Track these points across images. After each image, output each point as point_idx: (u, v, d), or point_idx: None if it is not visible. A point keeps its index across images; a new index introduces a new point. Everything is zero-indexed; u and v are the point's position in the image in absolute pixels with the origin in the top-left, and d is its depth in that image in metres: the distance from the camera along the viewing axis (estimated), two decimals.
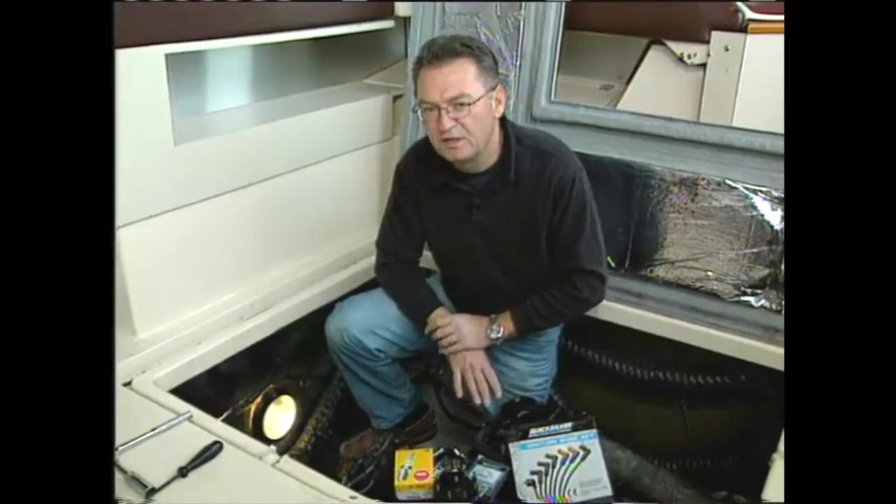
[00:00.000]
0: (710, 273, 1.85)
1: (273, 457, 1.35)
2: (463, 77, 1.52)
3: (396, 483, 1.60)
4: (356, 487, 1.64)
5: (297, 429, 2.10)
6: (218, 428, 1.42)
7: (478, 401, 1.78)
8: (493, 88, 1.57)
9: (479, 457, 1.69)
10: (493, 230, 1.70)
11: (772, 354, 1.76)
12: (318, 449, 2.05)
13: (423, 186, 1.73)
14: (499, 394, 1.79)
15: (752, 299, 1.81)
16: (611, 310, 1.93)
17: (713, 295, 1.86)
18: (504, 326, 1.74)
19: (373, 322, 1.78)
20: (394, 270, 1.85)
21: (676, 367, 1.99)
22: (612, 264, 1.92)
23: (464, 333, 1.75)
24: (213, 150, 1.75)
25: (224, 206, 1.78)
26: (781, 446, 1.36)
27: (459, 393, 1.79)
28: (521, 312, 1.74)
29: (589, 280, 1.70)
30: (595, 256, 1.70)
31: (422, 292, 1.83)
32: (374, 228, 1.90)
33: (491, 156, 1.65)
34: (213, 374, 1.77)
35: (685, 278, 1.89)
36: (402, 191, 1.79)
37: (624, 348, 2.05)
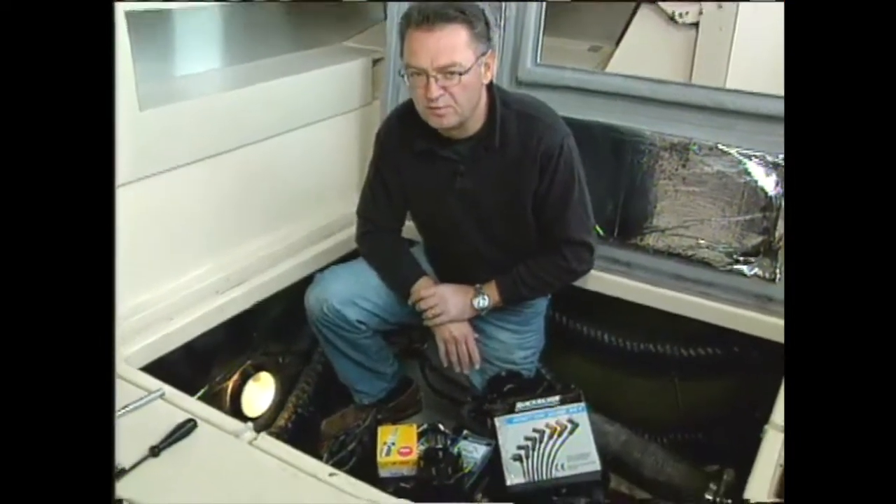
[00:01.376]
0: (701, 241, 1.85)
1: (250, 434, 1.34)
2: (454, 44, 1.48)
3: (379, 460, 1.60)
4: (337, 465, 1.64)
5: (277, 406, 2.09)
6: (192, 405, 1.40)
7: (457, 369, 1.79)
8: (484, 54, 1.54)
9: (465, 432, 1.70)
10: (478, 198, 1.68)
11: (765, 324, 1.76)
12: (298, 426, 2.05)
13: (405, 152, 1.71)
14: (478, 364, 1.79)
15: (744, 268, 1.81)
16: (599, 280, 1.93)
17: (705, 263, 1.85)
18: (489, 296, 1.74)
19: (354, 293, 1.77)
20: (375, 239, 1.83)
21: (667, 339, 1.99)
22: (601, 233, 1.91)
23: (448, 304, 1.74)
24: (182, 116, 1.70)
25: (195, 175, 1.74)
26: (774, 418, 1.36)
27: (445, 363, 1.80)
28: (507, 282, 1.73)
29: (577, 249, 1.70)
30: (583, 225, 1.69)
31: (404, 262, 1.81)
32: (354, 197, 1.88)
33: (476, 121, 1.63)
34: (188, 350, 1.75)
35: (676, 247, 1.88)
36: (383, 157, 1.76)
37: (613, 319, 2.05)
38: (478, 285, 1.75)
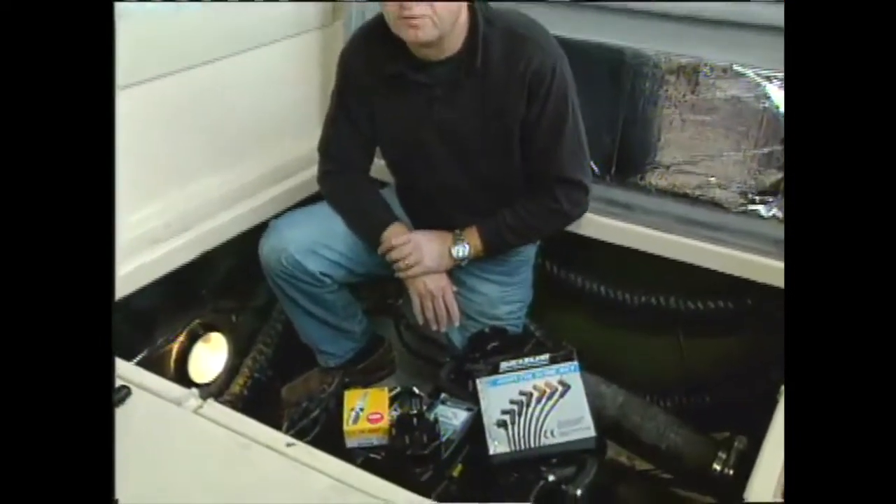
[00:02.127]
0: (711, 178, 1.84)
1: (194, 402, 1.32)
2: None
3: (345, 428, 1.59)
4: (299, 434, 1.63)
5: (230, 371, 2.08)
6: (126, 371, 1.37)
7: (434, 328, 1.79)
8: None
9: (443, 395, 1.69)
10: (458, 129, 1.65)
11: (782, 273, 1.74)
12: (255, 393, 2.04)
13: (373, 78, 1.67)
14: (457, 321, 1.79)
15: (761, 208, 1.81)
16: (595, 224, 1.92)
17: (715, 204, 1.85)
18: (470, 244, 1.73)
19: (315, 241, 1.75)
20: (339, 180, 1.81)
21: (671, 291, 1.99)
22: (596, 171, 1.90)
23: (423, 253, 1.73)
24: None
25: (123, 106, 1.67)
26: None
27: (420, 320, 1.80)
28: (490, 228, 1.72)
29: (569, 190, 1.68)
30: (576, 162, 1.68)
31: (373, 205, 1.79)
32: (315, 132, 1.85)
33: (456, 40, 1.59)
34: (124, 308, 1.71)
35: (682, 185, 1.87)
36: (347, 84, 1.73)
37: (610, 269, 2.05)
38: (457, 231, 1.74)
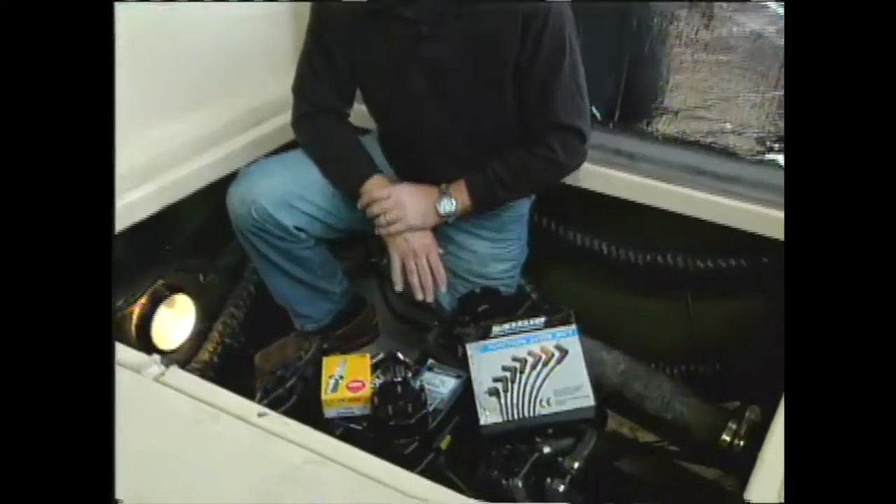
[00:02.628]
0: (725, 124, 1.84)
1: (156, 369, 1.31)
2: None
3: (324, 397, 1.58)
4: (274, 404, 1.62)
5: (199, 336, 2.09)
6: None
7: (420, 297, 1.78)
8: None
9: (430, 362, 1.69)
10: (445, 69, 1.64)
11: None
12: (226, 360, 2.05)
13: (352, 13, 1.65)
14: (443, 286, 1.79)
15: (780, 157, 1.80)
16: (595, 175, 1.91)
17: (729, 153, 1.85)
18: (457, 199, 1.72)
19: (289, 192, 1.74)
20: (316, 125, 1.80)
21: (679, 248, 2.00)
22: (598, 117, 1.91)
23: (406, 208, 1.71)
24: None
25: None
26: None
27: (398, 286, 1.79)
28: (479, 181, 1.71)
29: (565, 137, 1.67)
30: (574, 106, 1.67)
31: (353, 154, 1.78)
32: (290, 72, 1.83)
33: None
34: None
35: (693, 132, 1.87)
36: (324, 19, 1.72)
37: (612, 225, 2.05)
38: (443, 185, 1.73)
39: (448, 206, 1.71)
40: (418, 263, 1.75)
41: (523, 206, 1.88)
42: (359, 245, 2.23)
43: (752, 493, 1.09)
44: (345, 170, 1.76)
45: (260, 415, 1.23)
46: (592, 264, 2.09)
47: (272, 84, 2.07)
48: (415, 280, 1.76)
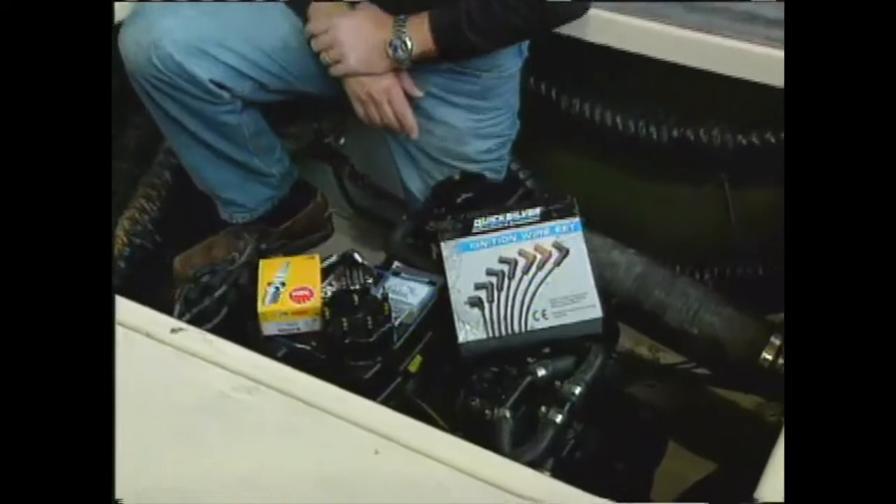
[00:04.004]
0: None
1: None
2: None
3: (261, 309, 1.59)
4: (199, 320, 1.63)
5: None
6: None
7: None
8: None
9: (396, 265, 1.71)
10: None
11: None
12: (136, 265, 2.05)
13: None
14: (414, 132, 1.79)
15: None
16: (607, 24, 1.89)
17: None
18: (414, 39, 1.68)
19: (203, 35, 1.71)
20: None
21: (715, 120, 1.98)
22: None
23: (344, 48, 1.70)
24: None
25: None
26: None
27: (366, 121, 1.81)
28: (446, 16, 1.66)
29: None
30: None
31: None
32: None
33: None
34: None
35: None
36: None
37: (629, 90, 2.03)
38: (400, 18, 1.69)
39: (401, 46, 1.68)
40: (380, 112, 1.74)
41: (511, 65, 1.86)
42: (306, 116, 2.20)
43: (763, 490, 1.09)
44: None
45: (174, 330, 1.23)
46: (602, 141, 2.07)
47: None
48: (378, 123, 1.78)
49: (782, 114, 1.85)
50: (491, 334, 1.53)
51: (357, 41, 1.68)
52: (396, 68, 1.72)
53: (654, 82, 1.97)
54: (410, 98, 1.77)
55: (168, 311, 1.57)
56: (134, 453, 0.98)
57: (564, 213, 1.63)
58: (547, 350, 1.53)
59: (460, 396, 1.50)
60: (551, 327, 1.54)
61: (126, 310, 1.26)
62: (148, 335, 1.22)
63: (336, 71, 1.71)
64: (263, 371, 1.19)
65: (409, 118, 1.76)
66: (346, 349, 1.51)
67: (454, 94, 1.81)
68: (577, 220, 1.62)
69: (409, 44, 1.67)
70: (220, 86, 1.73)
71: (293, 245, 2.00)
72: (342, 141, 2.22)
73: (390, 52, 1.68)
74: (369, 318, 1.53)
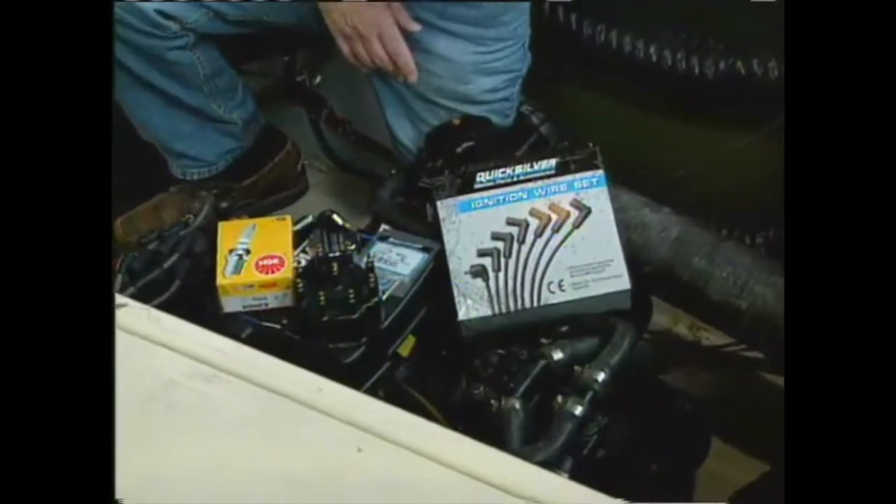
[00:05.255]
0: None
1: None
2: None
3: (220, 281, 1.60)
4: (145, 295, 1.64)
5: None
6: None
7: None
8: None
9: (383, 228, 1.72)
10: None
11: None
12: None
13: None
14: (413, 76, 1.80)
15: None
16: None
17: None
18: None
19: None
20: None
21: (768, 49, 1.96)
22: None
23: None
24: None
25: None
26: None
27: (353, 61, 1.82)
28: None
29: None
30: None
31: None
32: None
33: None
34: None
35: None
36: None
37: (661, 14, 2.03)
38: None
39: None
40: (369, 50, 1.75)
41: None
42: (274, 51, 2.20)
43: None
44: None
45: (118, 306, 1.23)
46: (632, 77, 2.07)
47: None
48: (368, 64, 1.79)
49: None
50: (497, 310, 1.55)
51: None
52: None
53: (696, 3, 1.97)
54: (405, 32, 1.78)
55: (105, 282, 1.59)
56: None
57: (585, 165, 1.64)
58: (564, 329, 1.55)
59: (461, 384, 1.51)
60: (569, 301, 1.56)
61: None
62: None
63: None
64: (224, 355, 1.18)
65: (405, 57, 1.78)
66: (324, 328, 1.52)
67: (452, 21, 1.81)
68: (600, 172, 1.63)
69: None
70: (167, 16, 1.74)
71: (259, 204, 2.01)
72: (318, 79, 2.22)
73: None
74: (351, 291, 1.54)
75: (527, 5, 1.89)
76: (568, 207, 1.61)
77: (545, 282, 1.56)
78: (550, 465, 1.35)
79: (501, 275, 1.56)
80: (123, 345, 1.19)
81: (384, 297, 1.57)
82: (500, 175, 1.65)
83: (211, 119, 1.91)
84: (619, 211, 1.63)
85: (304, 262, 1.61)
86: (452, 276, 1.58)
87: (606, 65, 2.07)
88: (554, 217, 1.61)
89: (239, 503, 1.04)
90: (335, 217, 1.69)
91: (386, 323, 1.56)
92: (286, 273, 1.58)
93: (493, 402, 1.46)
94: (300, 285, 1.57)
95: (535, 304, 1.55)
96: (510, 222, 1.61)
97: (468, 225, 1.62)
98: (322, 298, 1.53)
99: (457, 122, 1.83)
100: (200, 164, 1.95)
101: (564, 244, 1.58)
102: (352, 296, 1.53)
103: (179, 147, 1.93)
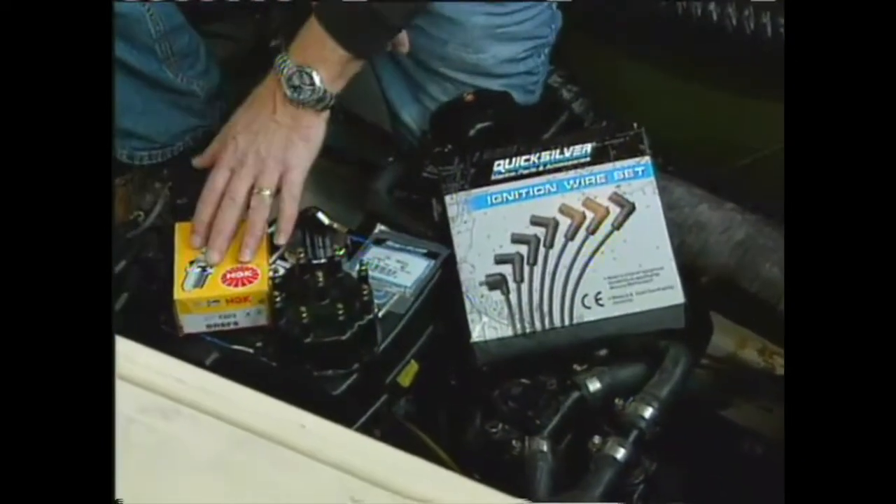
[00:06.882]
0: None
1: None
2: None
3: (178, 296, 1.61)
4: None
5: None
6: None
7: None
8: None
9: (379, 229, 1.74)
10: None
11: None
12: None
13: None
14: (405, 47, 1.80)
15: None
16: None
17: None
18: (317, 68, 1.70)
19: None
20: None
21: None
22: None
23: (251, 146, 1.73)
24: None
25: None
26: None
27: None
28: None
29: None
30: None
31: None
32: None
33: None
34: None
35: None
36: None
37: None
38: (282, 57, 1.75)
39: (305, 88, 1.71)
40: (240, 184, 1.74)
41: None
42: (245, 8, 2.21)
43: None
44: None
45: None
46: (688, 43, 2.06)
47: None
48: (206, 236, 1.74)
49: None
50: (519, 330, 1.57)
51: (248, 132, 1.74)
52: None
53: None
54: None
55: None
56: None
57: (628, 151, 1.66)
58: (602, 353, 1.58)
59: (475, 421, 1.53)
60: (608, 319, 1.58)
61: None
62: None
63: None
64: (185, 385, 1.20)
65: (259, 232, 1.73)
66: (308, 352, 1.53)
67: None
68: (647, 160, 1.65)
69: (314, 77, 1.70)
70: None
71: None
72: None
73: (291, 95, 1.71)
74: (340, 306, 1.55)
75: None
76: (607, 203, 1.63)
77: (578, 295, 1.58)
78: None
79: (524, 286, 1.58)
80: None
81: (381, 314, 1.59)
82: (522, 163, 1.66)
83: (164, 89, 1.92)
84: (670, 208, 1.65)
85: (282, 272, 1.63)
86: (464, 289, 1.60)
87: (656, 28, 2.07)
88: (589, 215, 1.62)
89: None
90: (320, 216, 1.72)
91: (383, 346, 1.57)
92: (260, 285, 1.61)
93: (514, 442, 1.47)
94: (278, 300, 1.58)
95: (566, 322, 1.57)
96: (535, 222, 1.63)
97: (483, 225, 1.64)
98: (304, 315, 1.54)
99: (469, 97, 1.83)
100: (152, 146, 1.95)
101: (602, 249, 1.60)
102: (341, 312, 1.54)
103: (125, 123, 1.90)
